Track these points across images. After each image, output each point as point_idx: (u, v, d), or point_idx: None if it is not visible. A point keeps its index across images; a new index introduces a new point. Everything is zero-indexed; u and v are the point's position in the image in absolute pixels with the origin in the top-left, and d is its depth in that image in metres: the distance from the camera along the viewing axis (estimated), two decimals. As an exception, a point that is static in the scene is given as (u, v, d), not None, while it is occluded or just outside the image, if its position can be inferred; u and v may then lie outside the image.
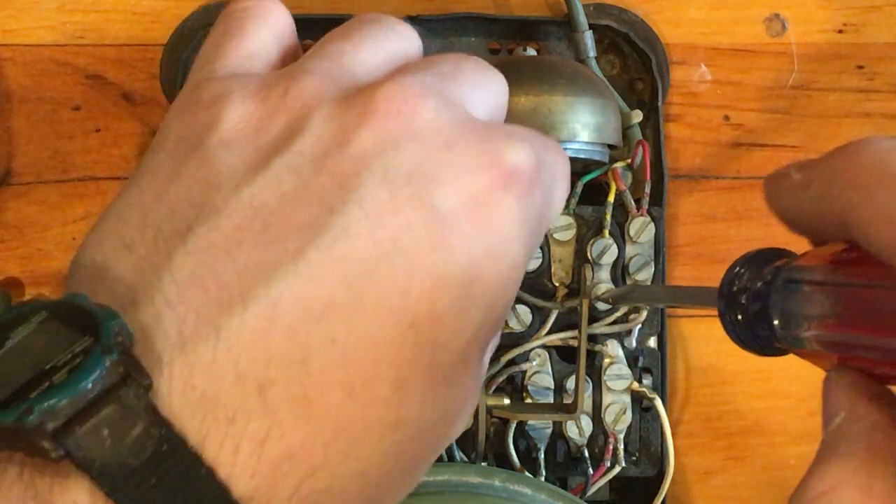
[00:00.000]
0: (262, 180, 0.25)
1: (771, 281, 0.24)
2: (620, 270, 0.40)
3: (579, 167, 0.40)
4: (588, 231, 0.40)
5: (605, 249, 0.40)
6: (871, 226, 0.21)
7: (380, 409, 0.24)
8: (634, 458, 0.41)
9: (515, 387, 0.40)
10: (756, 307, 0.25)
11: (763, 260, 0.25)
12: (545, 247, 0.40)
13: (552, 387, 0.40)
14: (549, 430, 0.40)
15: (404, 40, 0.30)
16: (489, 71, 0.30)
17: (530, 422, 0.40)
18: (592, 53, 0.41)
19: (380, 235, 0.25)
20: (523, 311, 0.40)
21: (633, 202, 0.40)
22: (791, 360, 0.46)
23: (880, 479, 0.21)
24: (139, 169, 0.27)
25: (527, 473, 0.40)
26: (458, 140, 0.26)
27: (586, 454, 0.40)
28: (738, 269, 0.26)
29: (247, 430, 0.23)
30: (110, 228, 0.26)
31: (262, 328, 0.24)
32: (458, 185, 0.26)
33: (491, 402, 0.39)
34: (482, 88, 0.29)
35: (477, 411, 0.38)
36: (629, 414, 0.40)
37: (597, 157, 0.39)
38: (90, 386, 0.22)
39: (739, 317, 0.25)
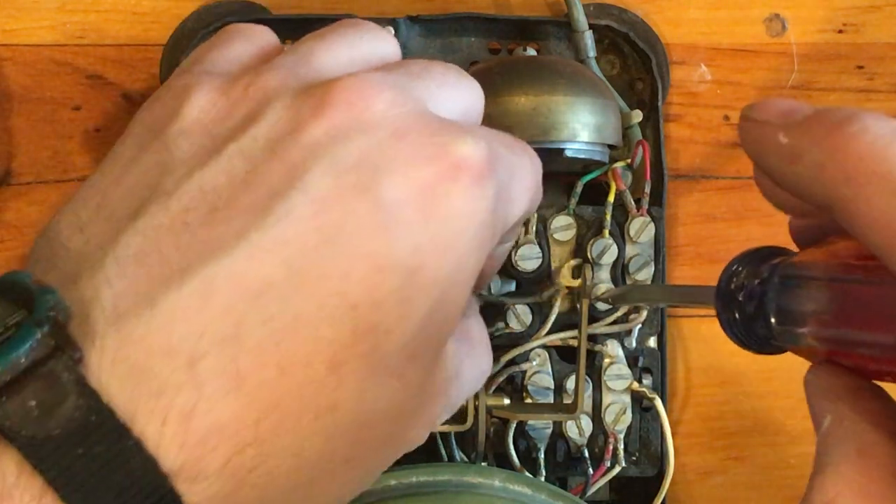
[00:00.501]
0: (215, 165, 0.26)
1: (768, 278, 0.24)
2: (620, 270, 0.40)
3: (579, 167, 0.40)
4: (588, 231, 0.40)
5: (605, 249, 0.40)
6: (865, 227, 0.20)
7: (314, 388, 0.24)
8: (634, 458, 0.41)
9: (515, 387, 0.40)
10: (752, 305, 0.25)
11: (760, 258, 0.25)
12: (545, 247, 0.40)
13: (552, 387, 0.40)
14: (549, 430, 0.40)
15: (382, 43, 0.31)
16: (461, 75, 0.30)
17: (530, 422, 0.40)
18: (592, 53, 0.41)
19: (322, 220, 0.25)
20: (523, 311, 0.40)
21: (633, 202, 0.40)
22: (792, 359, 0.46)
23: (877, 483, 0.21)
24: (108, 155, 0.28)
25: (527, 473, 0.40)
26: (408, 132, 0.26)
27: (586, 454, 0.40)
28: (735, 267, 0.25)
29: (174, 402, 0.23)
30: (70, 210, 0.27)
31: (198, 304, 0.24)
32: (404, 174, 0.26)
33: (491, 402, 0.39)
34: (450, 88, 0.29)
35: (477, 411, 0.38)
36: (629, 414, 0.40)
37: (597, 157, 0.39)
38: (20, 358, 0.22)
39: (737, 315, 0.25)
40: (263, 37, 0.31)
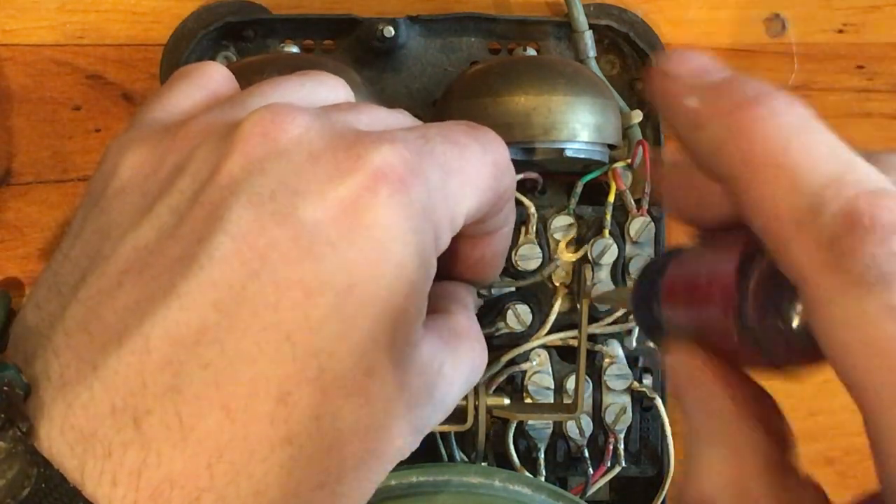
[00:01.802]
0: (146, 223, 0.26)
1: (651, 286, 0.25)
2: (620, 270, 0.40)
3: (579, 167, 0.40)
4: (588, 231, 0.40)
5: (605, 249, 0.40)
6: (753, 213, 0.20)
7: (264, 423, 0.24)
8: (634, 458, 0.41)
9: (515, 387, 0.40)
10: (648, 308, 0.25)
11: (661, 264, 0.25)
12: (545, 247, 0.40)
13: (552, 387, 0.40)
14: (549, 430, 0.40)
15: (324, 89, 0.31)
16: (391, 110, 0.30)
17: (530, 422, 0.40)
18: (592, 53, 0.41)
19: (246, 256, 0.25)
20: (523, 310, 0.40)
21: (633, 202, 0.40)
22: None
23: (755, 482, 0.21)
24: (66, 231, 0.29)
25: (527, 473, 0.40)
26: (323, 151, 0.26)
27: (586, 454, 0.40)
28: (642, 274, 0.26)
29: (123, 461, 0.24)
30: (32, 291, 0.28)
31: (137, 362, 0.24)
32: (323, 194, 0.26)
33: (491, 402, 0.39)
34: (378, 112, 0.29)
35: (477, 411, 0.38)
36: (629, 414, 0.40)
37: (597, 157, 0.39)
38: None
39: (642, 315, 0.26)
40: (213, 78, 0.31)
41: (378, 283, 0.26)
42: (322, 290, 0.25)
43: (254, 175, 0.26)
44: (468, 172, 0.29)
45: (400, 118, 0.30)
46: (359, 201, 0.26)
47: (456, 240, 0.33)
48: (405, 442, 0.28)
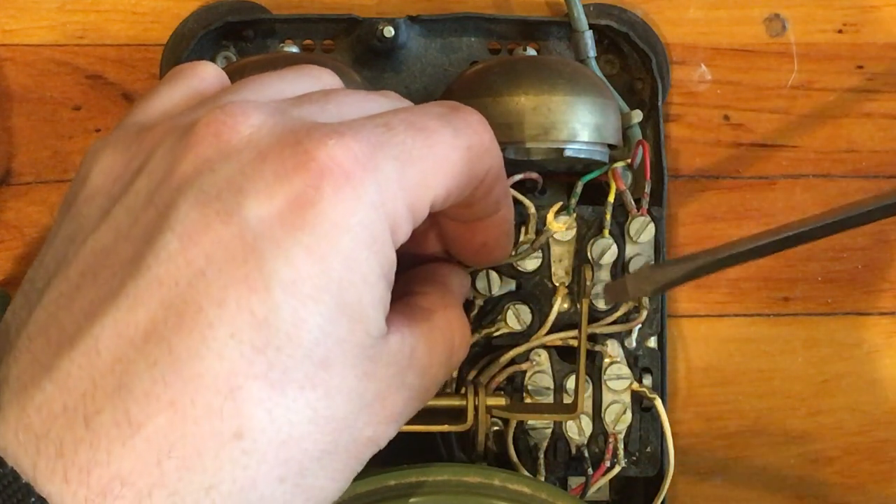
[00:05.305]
0: (104, 225, 0.27)
1: None
2: (620, 270, 0.40)
3: (579, 167, 0.40)
4: (588, 231, 0.40)
5: (605, 249, 0.40)
6: None
7: (213, 419, 0.25)
8: (634, 458, 0.41)
9: (515, 387, 0.40)
10: None
11: None
12: (545, 247, 0.40)
13: (552, 387, 0.40)
14: (549, 430, 0.40)
15: (307, 79, 0.31)
16: (370, 93, 0.30)
17: (530, 422, 0.40)
18: (592, 53, 0.41)
19: (192, 254, 0.25)
20: (523, 310, 0.40)
21: (633, 202, 0.40)
22: (792, 359, 0.46)
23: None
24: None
25: (527, 473, 0.40)
26: (272, 149, 0.26)
27: (586, 454, 0.40)
28: None
29: (75, 459, 0.24)
30: (12, 301, 0.28)
31: (87, 363, 0.25)
32: (268, 193, 0.26)
33: (491, 401, 0.39)
34: (349, 103, 0.29)
35: (477, 411, 0.38)
36: (629, 414, 0.40)
37: (597, 157, 0.39)
38: None
39: None
40: (201, 77, 0.31)
41: (327, 277, 0.26)
42: (267, 287, 0.25)
43: (203, 175, 0.26)
44: (432, 160, 0.28)
45: (377, 102, 0.30)
46: (303, 198, 0.26)
47: (450, 225, 0.33)
48: (375, 432, 0.28)
